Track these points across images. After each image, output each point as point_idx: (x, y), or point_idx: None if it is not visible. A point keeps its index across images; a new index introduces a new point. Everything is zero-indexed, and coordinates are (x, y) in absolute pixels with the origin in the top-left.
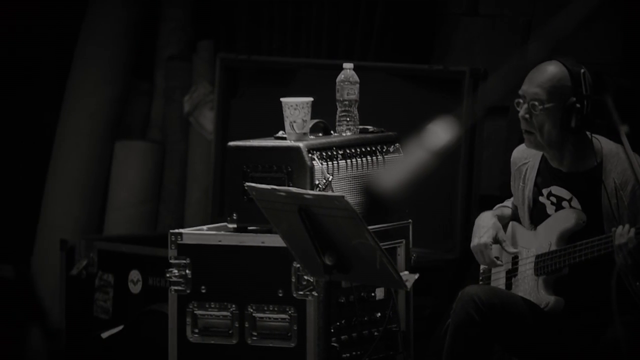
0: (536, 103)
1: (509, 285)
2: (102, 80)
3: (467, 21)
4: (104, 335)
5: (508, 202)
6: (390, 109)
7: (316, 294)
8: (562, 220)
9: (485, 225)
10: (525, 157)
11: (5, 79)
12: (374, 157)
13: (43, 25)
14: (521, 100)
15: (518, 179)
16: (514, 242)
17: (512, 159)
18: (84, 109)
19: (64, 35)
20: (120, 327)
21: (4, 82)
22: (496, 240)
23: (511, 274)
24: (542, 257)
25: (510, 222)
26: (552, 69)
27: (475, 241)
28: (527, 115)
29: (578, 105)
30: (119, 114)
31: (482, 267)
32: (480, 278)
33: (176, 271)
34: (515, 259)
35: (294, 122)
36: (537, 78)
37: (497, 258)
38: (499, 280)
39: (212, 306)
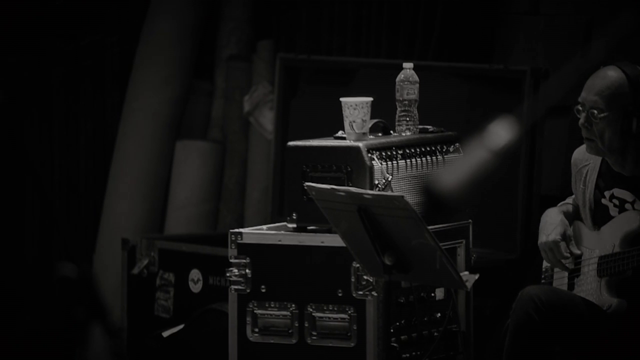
0: (595, 111)
1: (571, 285)
2: (164, 80)
3: (528, 20)
4: (165, 334)
5: (570, 200)
6: (450, 109)
7: (376, 294)
8: (625, 222)
9: (553, 222)
10: (585, 159)
11: (68, 80)
12: (433, 157)
13: (105, 26)
14: (580, 108)
15: (579, 180)
16: (578, 242)
17: (572, 161)
18: (145, 109)
19: (125, 36)
20: (181, 326)
21: (67, 83)
22: (564, 237)
23: (574, 274)
24: (606, 258)
25: (574, 222)
26: (610, 76)
27: (542, 238)
28: (586, 124)
29: (638, 110)
30: (180, 114)
31: (544, 266)
32: (543, 277)
33: (236, 270)
34: (578, 259)
35: (354, 121)
36: (596, 85)
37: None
38: (561, 279)
39: (272, 305)
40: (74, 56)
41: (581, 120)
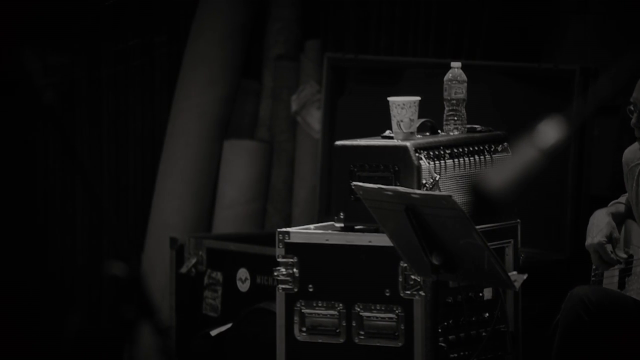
0: None
1: (622, 284)
2: (212, 80)
3: (577, 19)
4: (213, 332)
5: (622, 199)
6: (498, 108)
7: (423, 294)
8: None
9: (599, 224)
10: (637, 158)
11: (118, 80)
12: (481, 157)
13: (154, 26)
14: (632, 108)
15: (631, 179)
16: (628, 241)
17: (623, 160)
18: (194, 108)
19: (174, 36)
20: (229, 325)
21: (117, 83)
22: (610, 240)
23: (625, 273)
24: None
25: (626, 220)
26: None
27: (589, 240)
28: (638, 124)
29: None
30: (228, 113)
31: (594, 266)
32: (593, 275)
33: (284, 270)
34: (629, 259)
35: (401, 121)
36: None
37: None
38: (611, 279)
39: (320, 305)
40: (123, 56)
41: (633, 121)
